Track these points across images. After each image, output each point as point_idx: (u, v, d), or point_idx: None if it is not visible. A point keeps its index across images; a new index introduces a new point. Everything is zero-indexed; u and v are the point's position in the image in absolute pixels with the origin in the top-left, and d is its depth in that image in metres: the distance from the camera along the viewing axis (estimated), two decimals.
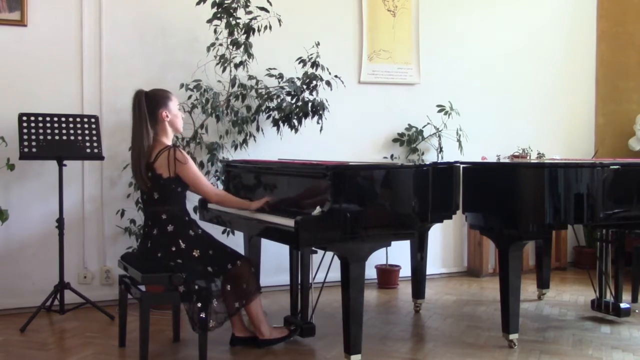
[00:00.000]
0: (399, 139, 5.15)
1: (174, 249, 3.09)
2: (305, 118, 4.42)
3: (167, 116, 3.21)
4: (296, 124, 4.43)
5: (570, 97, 5.89)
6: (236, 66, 4.28)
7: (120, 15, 4.36)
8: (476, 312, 4.20)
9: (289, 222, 2.85)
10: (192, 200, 4.11)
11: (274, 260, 4.48)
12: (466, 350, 3.38)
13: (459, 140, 5.04)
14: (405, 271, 4.71)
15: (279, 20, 4.25)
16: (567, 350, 3.41)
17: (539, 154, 5.44)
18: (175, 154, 3.10)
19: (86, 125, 3.99)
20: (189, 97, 4.28)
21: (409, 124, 5.16)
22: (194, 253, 3.10)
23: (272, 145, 4.65)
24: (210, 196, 3.27)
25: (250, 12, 4.17)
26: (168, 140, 3.23)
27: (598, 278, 4.00)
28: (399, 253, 4.74)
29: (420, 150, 5.15)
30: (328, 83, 4.41)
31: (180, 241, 3.11)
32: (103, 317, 3.94)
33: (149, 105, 3.17)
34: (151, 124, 3.18)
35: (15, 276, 4.13)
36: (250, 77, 4.41)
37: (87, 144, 3.95)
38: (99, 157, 4.01)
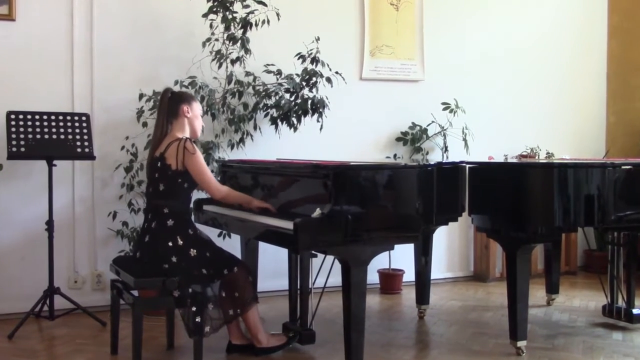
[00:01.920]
0: (402, 138, 5.15)
1: (171, 244, 3.10)
2: (305, 116, 4.42)
3: (187, 112, 3.32)
4: (295, 122, 4.43)
5: (580, 94, 5.89)
6: (233, 62, 4.28)
7: (113, 10, 4.36)
8: (483, 318, 4.20)
9: (288, 225, 2.85)
10: None
11: (272, 264, 4.48)
12: (472, 358, 3.38)
13: (464, 139, 5.04)
14: (409, 276, 4.71)
15: (277, 14, 4.25)
16: (577, 357, 3.40)
17: (547, 153, 5.44)
18: (185, 143, 3.17)
19: (77, 124, 3.98)
20: None
21: (412, 123, 5.16)
22: (190, 252, 3.11)
23: (270, 144, 4.65)
24: (213, 191, 3.30)
25: (247, 6, 4.17)
26: (182, 136, 3.27)
27: (609, 283, 4.00)
28: (402, 257, 4.73)
29: (425, 149, 5.15)
30: (328, 80, 4.41)
31: (178, 237, 3.12)
32: (94, 323, 3.93)
33: (172, 99, 3.31)
34: (170, 118, 3.30)
35: (3, 281, 4.12)
36: (248, 74, 4.41)
37: (78, 143, 3.95)
38: (90, 156, 4.01)
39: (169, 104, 3.30)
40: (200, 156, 3.21)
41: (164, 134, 3.28)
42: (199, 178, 3.22)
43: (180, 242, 3.12)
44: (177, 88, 4.21)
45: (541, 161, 4.60)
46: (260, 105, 4.45)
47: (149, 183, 3.30)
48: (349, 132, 4.98)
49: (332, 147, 4.74)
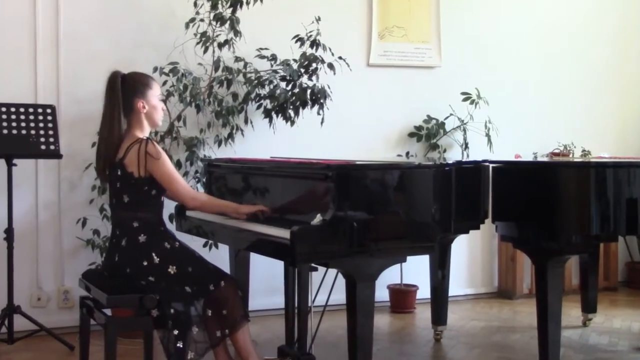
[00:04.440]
0: (416, 133, 5.16)
1: (145, 263, 3.09)
2: (303, 108, 4.43)
3: (143, 107, 3.24)
4: (292, 115, 4.44)
5: (621, 84, 5.90)
6: (220, 46, 4.28)
7: None
8: (508, 341, 4.20)
9: (284, 233, 2.85)
10: (168, 207, 4.10)
11: (266, 279, 4.48)
12: None
13: (487, 135, 5.05)
14: (424, 292, 4.70)
15: None
16: None
17: (583, 151, 5.44)
18: (146, 147, 3.11)
19: (41, 117, 3.99)
20: (164, 83, 4.27)
21: (427, 115, 5.16)
22: (169, 270, 3.10)
23: (263, 140, 4.65)
24: (187, 200, 3.28)
25: None
26: (142, 134, 3.24)
27: None
28: (415, 270, 4.74)
29: (442, 146, 5.16)
30: (331, 66, 4.41)
31: (153, 254, 3.11)
32: (61, 347, 3.94)
33: (124, 90, 3.20)
34: (124, 113, 3.22)
35: None
36: (237, 59, 4.42)
37: (42, 140, 3.95)
38: (56, 154, 4.01)
39: (123, 96, 3.19)
40: (166, 160, 3.16)
41: (120, 132, 3.18)
42: (167, 185, 3.18)
43: (157, 260, 3.10)
44: (156, 76, 4.21)
45: (576, 160, 4.60)
46: (252, 96, 4.45)
47: (111, 193, 3.25)
48: (354, 127, 4.99)
49: (335, 144, 4.75)
